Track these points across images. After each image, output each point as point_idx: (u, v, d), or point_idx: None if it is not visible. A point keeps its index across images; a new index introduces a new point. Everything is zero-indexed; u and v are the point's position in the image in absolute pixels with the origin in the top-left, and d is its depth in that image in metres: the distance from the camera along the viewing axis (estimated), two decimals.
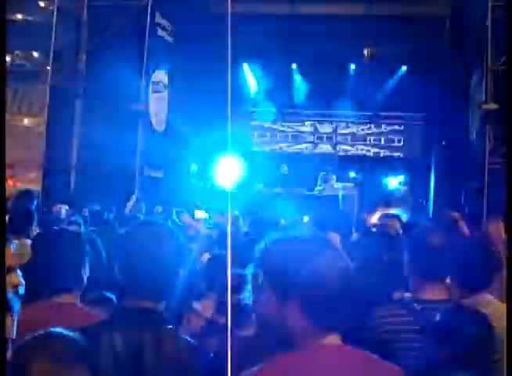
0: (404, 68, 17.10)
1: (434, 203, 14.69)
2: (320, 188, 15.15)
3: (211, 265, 4.12)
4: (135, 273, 2.05)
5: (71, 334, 1.73)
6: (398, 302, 2.95)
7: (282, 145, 18.17)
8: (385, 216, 8.86)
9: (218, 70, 16.83)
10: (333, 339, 1.75)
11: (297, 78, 17.57)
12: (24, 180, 13.09)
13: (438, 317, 2.55)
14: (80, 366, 1.66)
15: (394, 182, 17.27)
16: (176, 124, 14.60)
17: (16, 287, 2.35)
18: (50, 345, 1.68)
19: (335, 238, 4.83)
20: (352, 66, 17.42)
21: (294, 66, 17.48)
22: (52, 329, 1.73)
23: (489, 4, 11.64)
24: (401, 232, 7.35)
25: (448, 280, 2.93)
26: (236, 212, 9.51)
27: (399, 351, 2.58)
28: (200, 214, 13.58)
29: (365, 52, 16.87)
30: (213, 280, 3.83)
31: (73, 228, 5.65)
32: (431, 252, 2.81)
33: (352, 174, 16.90)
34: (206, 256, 5.18)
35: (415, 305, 2.74)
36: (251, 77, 17.70)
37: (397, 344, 2.63)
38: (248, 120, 18.34)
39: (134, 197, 10.28)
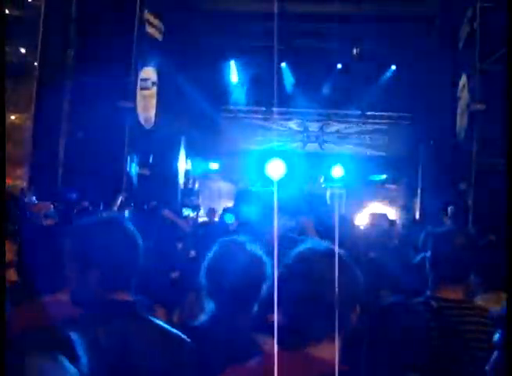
0: (392, 68, 17.14)
1: (421, 202, 14.74)
2: (308, 186, 15.17)
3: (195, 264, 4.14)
4: (98, 268, 2.07)
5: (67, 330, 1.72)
6: (414, 300, 2.92)
7: (271, 143, 18.12)
8: (373, 215, 8.92)
9: (207, 68, 16.90)
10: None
11: (287, 77, 17.55)
12: (11, 176, 13.00)
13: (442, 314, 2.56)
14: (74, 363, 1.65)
15: (382, 181, 17.32)
16: (164, 122, 14.56)
17: (12, 283, 2.34)
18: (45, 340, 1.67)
19: (309, 224, 4.98)
20: (340, 66, 17.43)
21: (284, 64, 17.48)
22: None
23: (478, 4, 11.69)
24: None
25: (468, 280, 2.92)
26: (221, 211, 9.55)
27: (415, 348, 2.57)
28: (187, 211, 13.60)
29: (354, 51, 16.89)
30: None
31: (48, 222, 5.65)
32: (452, 253, 2.79)
33: (340, 172, 16.93)
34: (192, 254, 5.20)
35: (432, 302, 2.72)
36: (241, 76, 17.65)
37: (411, 341, 2.61)
38: (236, 118, 18.31)
39: (120, 198, 10.22)
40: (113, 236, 2.11)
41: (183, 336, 2.17)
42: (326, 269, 1.74)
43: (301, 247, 1.87)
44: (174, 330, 2.18)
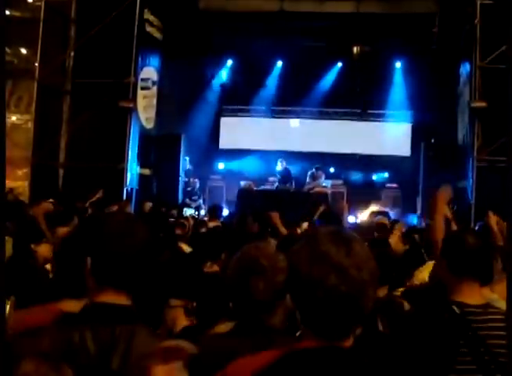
0: (393, 66, 17.13)
1: (422, 200, 14.71)
2: (309, 185, 15.16)
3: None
4: (107, 267, 1.99)
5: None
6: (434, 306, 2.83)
7: (270, 142, 18.06)
8: (375, 213, 8.92)
9: (206, 67, 16.84)
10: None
11: (286, 76, 17.53)
12: (12, 177, 13.02)
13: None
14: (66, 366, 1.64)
15: (384, 179, 17.32)
16: (165, 121, 14.55)
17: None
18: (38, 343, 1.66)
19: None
20: (341, 64, 17.43)
21: (280, 63, 17.47)
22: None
23: (478, 2, 11.67)
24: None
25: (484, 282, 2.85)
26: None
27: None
28: (189, 212, 13.60)
29: (354, 49, 16.88)
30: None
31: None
32: (468, 254, 2.73)
33: (337, 171, 16.95)
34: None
35: (455, 308, 2.63)
36: (240, 74, 17.63)
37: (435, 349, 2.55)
38: (236, 117, 18.31)
39: (99, 193, 10.22)
40: (128, 234, 2.03)
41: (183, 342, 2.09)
42: (331, 248, 1.60)
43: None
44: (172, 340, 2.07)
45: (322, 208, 9.24)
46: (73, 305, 2.46)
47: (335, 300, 1.56)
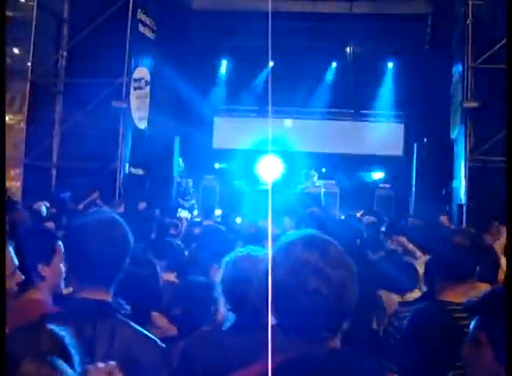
0: (386, 66, 17.16)
1: (415, 200, 14.76)
2: (302, 185, 15.16)
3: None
4: (83, 264, 2.09)
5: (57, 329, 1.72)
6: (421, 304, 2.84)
7: (265, 142, 18.03)
8: (367, 213, 8.95)
9: (199, 67, 16.82)
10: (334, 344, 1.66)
11: (279, 76, 17.51)
12: (5, 177, 12.94)
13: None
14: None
15: (377, 179, 17.34)
16: (159, 121, 14.53)
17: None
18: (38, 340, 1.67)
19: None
20: (334, 64, 17.44)
21: (271, 63, 17.45)
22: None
23: (470, 2, 11.70)
24: (383, 229, 7.41)
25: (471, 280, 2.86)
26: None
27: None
28: (183, 213, 13.57)
29: (348, 49, 16.91)
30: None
31: (48, 224, 5.69)
32: (456, 253, 2.74)
33: (330, 172, 16.95)
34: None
35: (440, 307, 2.66)
36: (233, 74, 17.63)
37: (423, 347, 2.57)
38: (230, 117, 18.30)
39: (93, 196, 10.24)
40: (104, 233, 2.10)
41: (153, 337, 2.17)
42: (308, 254, 1.61)
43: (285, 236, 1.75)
44: (145, 332, 2.17)
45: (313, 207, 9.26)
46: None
47: (318, 303, 1.58)
